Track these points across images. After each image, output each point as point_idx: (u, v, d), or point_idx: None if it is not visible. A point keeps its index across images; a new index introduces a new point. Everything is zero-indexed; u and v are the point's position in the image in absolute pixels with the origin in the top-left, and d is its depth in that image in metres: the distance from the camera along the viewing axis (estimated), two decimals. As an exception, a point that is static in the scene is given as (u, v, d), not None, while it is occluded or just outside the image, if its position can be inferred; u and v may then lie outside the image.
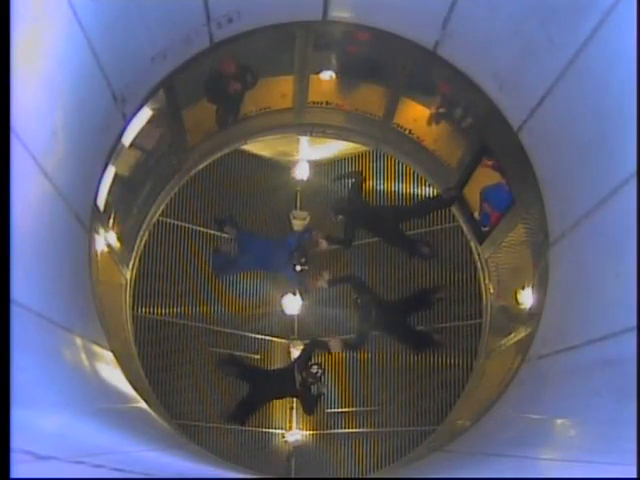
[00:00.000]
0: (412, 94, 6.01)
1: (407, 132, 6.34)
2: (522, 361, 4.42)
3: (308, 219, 7.61)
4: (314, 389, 6.38)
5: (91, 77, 3.43)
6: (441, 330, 6.84)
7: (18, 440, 1.74)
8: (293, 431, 7.21)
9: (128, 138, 4.71)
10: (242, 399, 6.44)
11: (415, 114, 6.14)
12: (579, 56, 3.35)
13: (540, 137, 4.20)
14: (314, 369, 6.21)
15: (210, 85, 5.64)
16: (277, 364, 7.29)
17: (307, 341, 6.76)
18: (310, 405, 6.42)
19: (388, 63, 5.65)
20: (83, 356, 3.44)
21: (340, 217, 6.79)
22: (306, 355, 6.40)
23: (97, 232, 4.39)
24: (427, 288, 6.96)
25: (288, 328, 7.46)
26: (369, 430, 7.08)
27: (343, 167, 7.79)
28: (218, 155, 6.59)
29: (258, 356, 7.20)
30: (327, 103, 6.35)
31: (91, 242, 4.17)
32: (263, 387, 6.36)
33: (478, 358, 6.24)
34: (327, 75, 6.07)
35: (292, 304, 7.18)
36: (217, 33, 4.54)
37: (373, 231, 7.02)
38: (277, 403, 7.17)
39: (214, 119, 6.09)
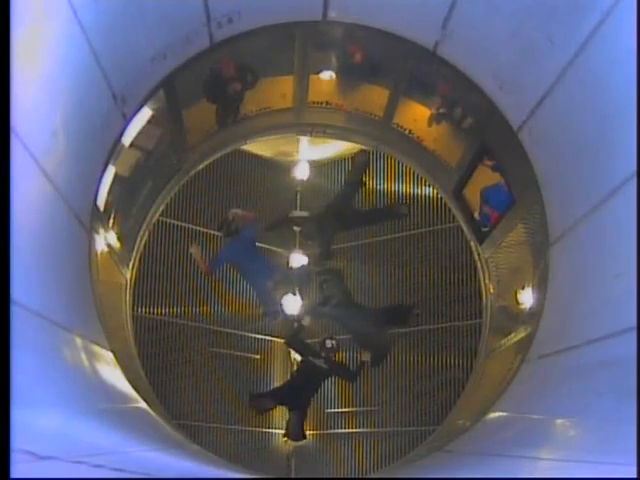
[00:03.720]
0: (412, 94, 6.01)
1: (407, 132, 6.33)
2: (522, 361, 4.42)
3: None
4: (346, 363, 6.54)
5: (91, 77, 3.43)
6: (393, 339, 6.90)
7: (18, 440, 1.74)
8: (293, 431, 7.20)
9: (128, 138, 4.70)
10: (289, 419, 6.49)
11: (415, 114, 6.13)
12: (579, 56, 3.34)
13: (540, 137, 4.20)
14: (328, 344, 6.33)
15: (210, 85, 5.63)
16: (278, 364, 7.28)
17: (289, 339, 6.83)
18: (349, 374, 6.53)
19: (388, 63, 5.65)
20: (83, 356, 3.44)
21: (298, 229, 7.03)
22: (303, 345, 6.48)
23: (97, 232, 4.38)
24: (404, 304, 6.97)
25: (288, 328, 7.46)
26: (369, 430, 7.08)
27: (343, 167, 7.80)
28: (218, 155, 6.58)
29: (258, 356, 7.20)
30: (327, 103, 6.34)
31: (91, 242, 4.17)
32: (300, 396, 6.40)
33: (478, 358, 6.23)
34: (327, 75, 6.06)
35: (292, 304, 7.17)
36: (217, 33, 4.54)
37: (340, 229, 7.13)
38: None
39: (214, 119, 6.09)
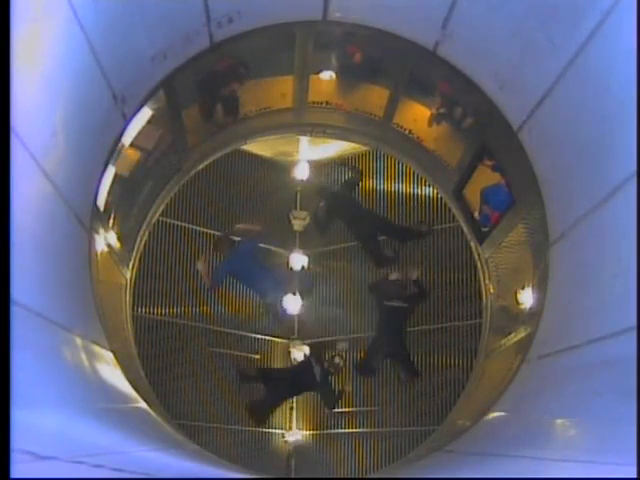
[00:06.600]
0: (412, 94, 6.01)
1: (407, 132, 6.34)
2: (522, 361, 4.42)
3: (308, 219, 7.60)
4: (334, 384, 6.56)
5: (91, 77, 3.43)
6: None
7: (18, 440, 1.74)
8: (293, 431, 7.20)
9: (128, 138, 4.71)
10: (259, 399, 6.56)
11: (415, 114, 6.13)
12: (579, 56, 3.35)
13: (540, 137, 4.20)
14: (337, 360, 6.41)
15: (209, 85, 5.64)
16: (278, 364, 7.28)
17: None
18: (332, 399, 6.60)
19: (388, 63, 5.66)
20: (83, 356, 3.44)
21: (322, 203, 6.85)
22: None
23: (97, 232, 4.39)
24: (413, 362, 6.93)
25: (288, 328, 7.46)
26: (369, 430, 7.07)
27: (343, 167, 7.79)
28: (218, 155, 6.59)
29: (258, 356, 7.20)
30: (327, 103, 6.35)
31: (91, 242, 4.17)
32: (282, 386, 6.49)
33: (478, 358, 6.24)
34: (327, 75, 6.06)
35: (292, 304, 7.17)
36: (217, 33, 4.54)
37: (351, 229, 7.20)
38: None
39: (214, 119, 6.09)
